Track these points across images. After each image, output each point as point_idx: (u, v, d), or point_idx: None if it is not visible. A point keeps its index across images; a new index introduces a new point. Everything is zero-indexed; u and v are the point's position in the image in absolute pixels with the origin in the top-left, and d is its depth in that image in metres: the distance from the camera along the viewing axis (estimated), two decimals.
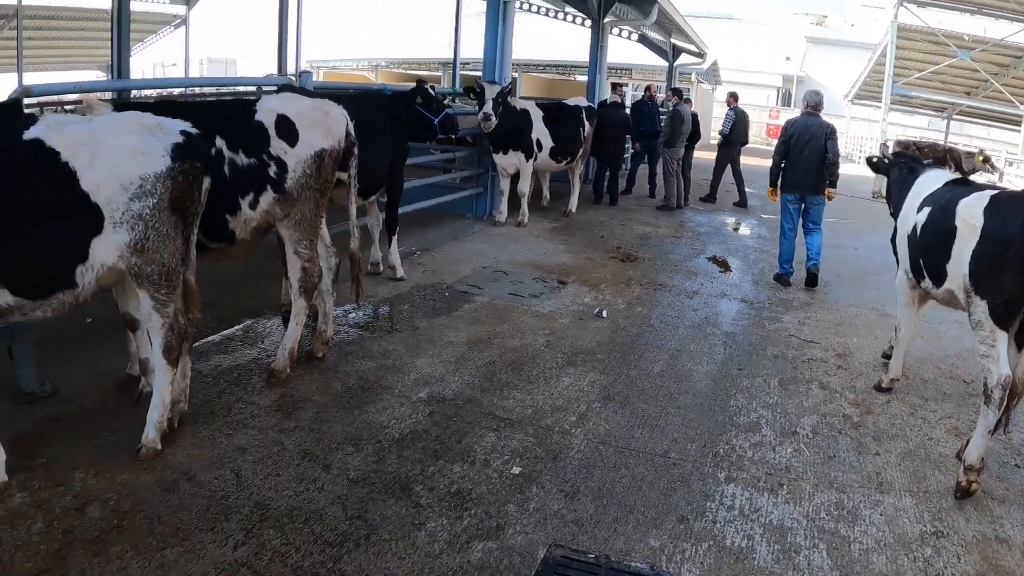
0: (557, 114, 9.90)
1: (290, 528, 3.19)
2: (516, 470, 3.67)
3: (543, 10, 16.29)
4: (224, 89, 12.18)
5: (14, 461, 3.40)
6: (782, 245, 7.56)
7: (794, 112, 32.99)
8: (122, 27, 14.45)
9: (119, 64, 14.59)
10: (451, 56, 21.35)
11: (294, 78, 6.66)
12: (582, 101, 10.91)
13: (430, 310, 5.95)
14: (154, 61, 29.08)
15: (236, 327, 5.22)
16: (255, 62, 34.79)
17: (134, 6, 20.36)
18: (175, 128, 3.60)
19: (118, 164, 3.36)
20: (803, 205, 7.40)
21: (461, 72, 19.18)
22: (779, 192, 7.49)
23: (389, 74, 28.80)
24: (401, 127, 6.39)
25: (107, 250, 3.39)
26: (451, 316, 5.85)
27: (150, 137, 3.50)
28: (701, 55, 20.08)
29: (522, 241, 8.50)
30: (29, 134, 3.30)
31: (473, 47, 20.10)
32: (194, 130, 3.64)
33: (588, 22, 14.01)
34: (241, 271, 5.84)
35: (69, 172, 3.28)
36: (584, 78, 25.05)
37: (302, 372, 4.64)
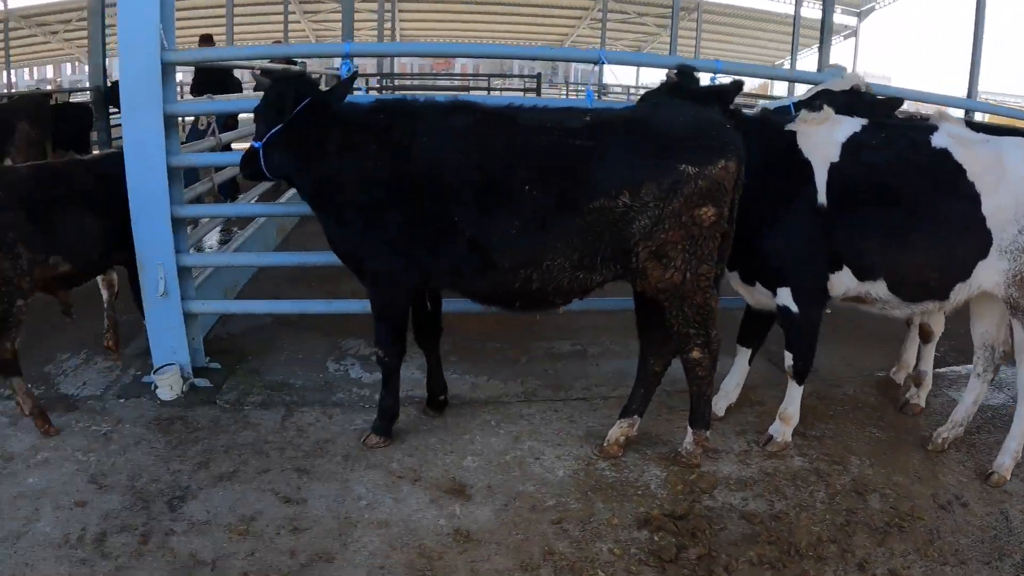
0: None
1: None
2: None
3: None
4: None
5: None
6: None
7: None
8: (824, 34, 15.15)
9: (819, 65, 15.26)
10: None
11: None
12: None
13: None
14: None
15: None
16: (908, 80, 32.93)
17: (805, 12, 21.32)
18: None
19: (1019, 193, 3.39)
20: None
21: None
22: None
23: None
24: None
25: (988, 275, 3.43)
26: None
27: None
28: None
29: None
30: (936, 142, 3.48)
31: None
32: None
33: None
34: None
35: (973, 193, 3.38)
36: None
37: None
